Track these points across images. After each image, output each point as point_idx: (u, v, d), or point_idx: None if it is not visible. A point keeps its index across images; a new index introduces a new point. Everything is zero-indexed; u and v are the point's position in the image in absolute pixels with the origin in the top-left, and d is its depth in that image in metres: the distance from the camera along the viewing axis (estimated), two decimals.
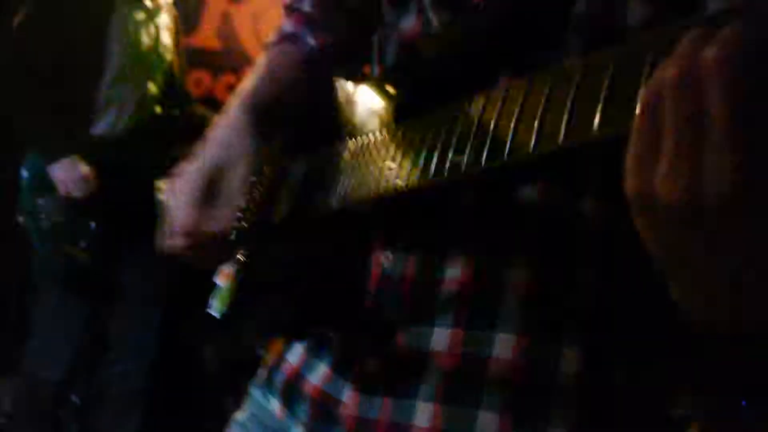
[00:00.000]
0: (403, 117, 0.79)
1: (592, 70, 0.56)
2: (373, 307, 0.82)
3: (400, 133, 0.76)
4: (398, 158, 0.74)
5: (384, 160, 0.76)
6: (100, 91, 2.88)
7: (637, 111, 0.49)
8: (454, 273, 0.78)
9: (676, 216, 0.47)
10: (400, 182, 0.72)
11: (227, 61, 3.69)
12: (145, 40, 2.95)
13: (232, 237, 0.90)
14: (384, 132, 0.79)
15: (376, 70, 0.99)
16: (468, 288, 0.77)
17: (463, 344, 0.76)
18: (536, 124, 0.60)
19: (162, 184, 0.98)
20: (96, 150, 2.84)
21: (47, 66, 2.78)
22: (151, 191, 1.10)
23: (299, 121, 1.02)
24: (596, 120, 0.54)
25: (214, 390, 3.27)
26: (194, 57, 3.47)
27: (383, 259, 0.83)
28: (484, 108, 0.66)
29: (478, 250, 0.77)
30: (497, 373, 0.75)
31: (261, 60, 1.07)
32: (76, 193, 2.76)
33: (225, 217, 0.91)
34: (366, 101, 0.88)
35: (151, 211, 1.06)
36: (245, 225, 0.94)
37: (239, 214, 0.94)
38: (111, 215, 2.83)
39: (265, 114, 0.98)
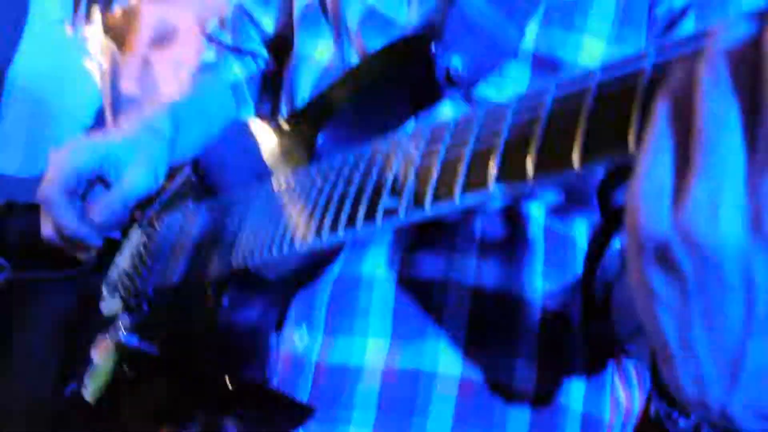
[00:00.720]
0: (316, 159, 0.65)
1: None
2: (278, 396, 0.66)
3: (315, 178, 0.62)
4: (313, 207, 0.59)
5: (296, 210, 0.61)
6: None
7: (654, 122, 0.35)
8: (377, 361, 0.63)
9: (705, 271, 0.33)
10: (312, 236, 0.57)
11: None
12: None
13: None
14: (296, 176, 0.65)
15: (285, 106, 0.87)
16: (391, 381, 0.62)
17: None
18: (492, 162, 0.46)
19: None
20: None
21: None
22: None
23: (212, 155, 0.87)
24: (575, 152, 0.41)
25: None
26: None
27: (295, 338, 0.67)
28: (417, 148, 0.53)
29: (407, 332, 0.63)
30: None
31: (182, 85, 0.98)
32: None
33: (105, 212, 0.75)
34: (276, 141, 0.74)
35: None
36: (131, 291, 0.77)
37: (125, 278, 0.77)
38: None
39: (183, 129, 0.84)
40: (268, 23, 0.98)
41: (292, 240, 0.59)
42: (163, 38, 1.62)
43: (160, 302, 0.77)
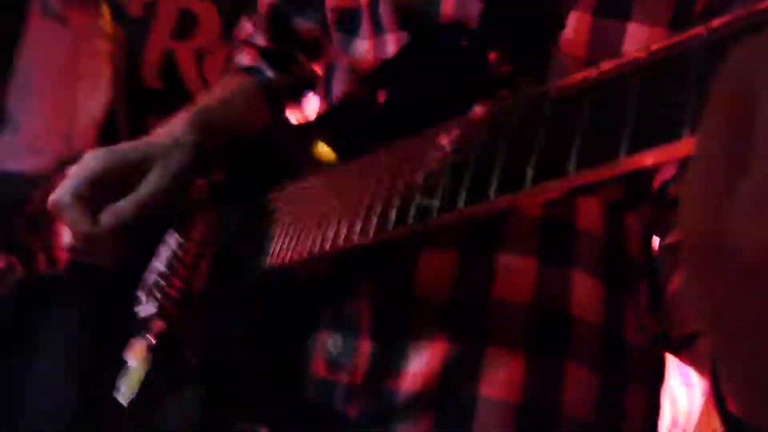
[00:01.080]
0: (348, 159, 0.62)
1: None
2: (315, 403, 0.64)
3: (348, 178, 0.59)
4: (348, 207, 0.56)
5: (330, 210, 0.58)
6: None
7: (710, 112, 0.31)
8: (419, 365, 0.61)
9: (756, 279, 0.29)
10: (353, 236, 0.54)
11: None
12: None
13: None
14: (329, 176, 0.62)
15: (319, 104, 0.84)
16: (435, 384, 0.60)
17: None
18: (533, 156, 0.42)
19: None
20: None
21: None
22: None
23: (244, 156, 0.85)
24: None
25: None
26: None
27: (329, 343, 0.65)
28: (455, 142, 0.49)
29: (454, 335, 0.60)
30: None
31: (216, 86, 0.97)
32: None
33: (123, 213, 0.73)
34: (309, 141, 0.72)
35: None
36: (168, 294, 0.75)
37: (161, 281, 0.76)
38: None
39: (212, 132, 0.82)
40: (304, 26, 0.95)
41: (323, 242, 0.57)
42: (185, 29, 1.59)
43: (194, 307, 0.75)
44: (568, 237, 0.68)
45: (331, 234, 0.56)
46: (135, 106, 1.60)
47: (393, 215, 0.51)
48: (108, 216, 0.71)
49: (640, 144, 0.37)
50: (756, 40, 0.30)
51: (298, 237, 0.61)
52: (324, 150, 0.68)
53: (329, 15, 0.86)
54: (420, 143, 0.53)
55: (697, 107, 0.35)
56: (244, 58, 1.01)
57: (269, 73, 0.98)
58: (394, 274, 0.66)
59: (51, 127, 1.47)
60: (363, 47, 0.80)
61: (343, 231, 0.55)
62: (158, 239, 0.88)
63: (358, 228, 0.54)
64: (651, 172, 0.70)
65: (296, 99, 1.00)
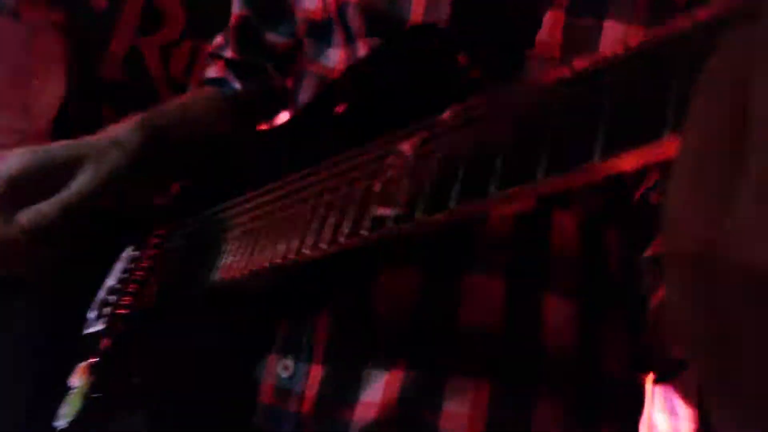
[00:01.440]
0: (311, 165, 0.57)
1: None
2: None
3: (302, 188, 0.54)
4: (301, 218, 0.52)
5: (283, 222, 0.54)
6: None
7: (698, 106, 0.27)
8: (374, 393, 0.56)
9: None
10: (305, 249, 0.50)
11: None
12: None
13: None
14: (284, 186, 0.57)
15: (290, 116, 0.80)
16: (391, 415, 0.55)
17: None
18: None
19: None
20: None
21: None
22: None
23: (209, 167, 0.80)
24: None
25: None
26: None
27: (279, 367, 0.60)
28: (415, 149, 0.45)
29: (414, 362, 0.55)
30: None
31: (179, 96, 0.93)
32: None
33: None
34: (275, 150, 0.67)
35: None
36: (116, 311, 0.70)
37: (111, 297, 0.70)
38: None
39: (162, 137, 0.76)
40: (276, 40, 0.92)
41: (274, 256, 0.52)
42: (150, 24, 1.56)
43: (142, 324, 0.69)
44: (541, 255, 0.63)
45: (282, 247, 0.52)
46: (94, 101, 1.56)
47: (347, 226, 0.47)
48: (24, 217, 0.64)
49: (616, 146, 0.33)
50: (749, 29, 0.26)
51: (250, 250, 0.56)
52: None
53: (300, 26, 0.82)
54: (379, 150, 0.49)
55: (681, 104, 0.31)
56: (211, 70, 0.97)
57: (236, 84, 0.94)
58: (351, 294, 0.61)
59: (4, 124, 1.42)
60: (336, 56, 0.76)
61: (295, 244, 0.51)
62: (116, 256, 0.83)
63: (310, 241, 0.49)
64: (632, 180, 0.66)
65: (268, 113, 0.95)
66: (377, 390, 0.59)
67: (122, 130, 0.73)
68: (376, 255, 0.54)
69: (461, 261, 0.62)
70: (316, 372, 0.61)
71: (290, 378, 0.61)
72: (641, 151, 0.32)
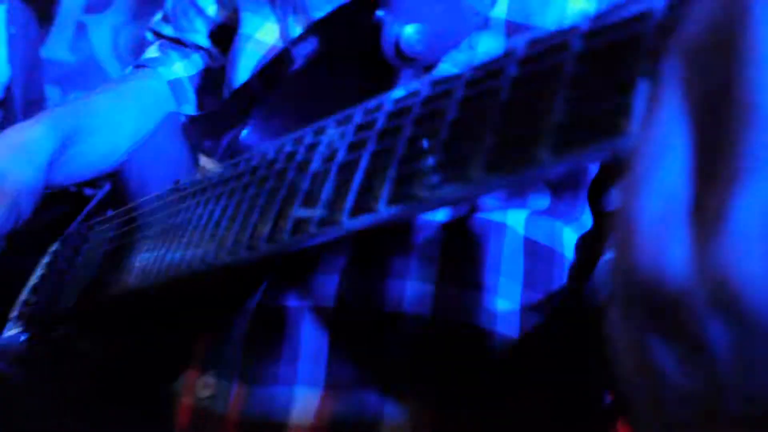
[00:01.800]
0: (234, 157, 0.51)
1: None
2: None
3: (220, 184, 0.48)
4: (217, 219, 0.45)
5: (198, 222, 0.47)
6: None
7: (658, 95, 0.21)
8: (305, 415, 0.50)
9: (752, 342, 0.19)
10: (222, 254, 0.43)
11: None
12: None
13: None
14: (202, 182, 0.51)
15: (225, 93, 0.73)
16: None
17: None
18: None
19: None
20: None
21: None
22: None
23: (137, 160, 0.73)
24: None
25: None
26: None
27: (199, 386, 0.54)
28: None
29: (349, 379, 0.49)
30: None
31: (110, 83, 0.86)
32: None
33: None
34: (200, 139, 0.61)
35: None
36: (31, 316, 0.64)
37: (27, 302, 0.64)
38: None
39: (70, 130, 0.70)
40: (213, 10, 0.85)
41: (189, 261, 0.46)
42: (98, 3, 1.48)
43: (57, 331, 0.63)
44: (478, 260, 0.57)
45: (199, 251, 0.45)
46: (38, 82, 1.50)
47: (266, 229, 0.40)
48: None
49: (564, 141, 0.27)
50: None
51: (164, 253, 0.49)
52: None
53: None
54: (304, 140, 0.43)
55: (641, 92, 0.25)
56: (151, 50, 0.90)
57: (176, 66, 0.87)
58: (278, 303, 0.55)
59: None
60: (271, 32, 0.70)
61: (212, 248, 0.44)
62: (43, 250, 0.76)
63: (228, 244, 0.43)
64: (588, 176, 0.60)
65: (204, 97, 0.89)
66: (308, 411, 0.53)
67: (32, 133, 0.66)
68: (302, 259, 0.48)
69: (393, 268, 0.55)
70: (241, 391, 0.54)
71: (211, 398, 0.54)
72: (594, 147, 0.26)
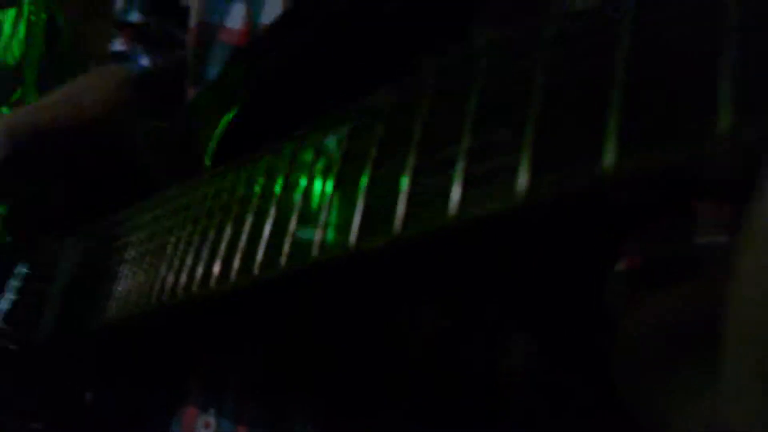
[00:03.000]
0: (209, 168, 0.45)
1: None
2: None
3: (207, 198, 0.42)
4: (205, 240, 0.40)
5: (184, 243, 0.42)
6: None
7: None
8: None
9: None
10: (210, 281, 0.38)
11: None
12: None
13: None
14: (184, 194, 0.45)
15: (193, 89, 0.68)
16: None
17: None
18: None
19: None
20: None
21: None
22: None
23: (105, 166, 0.68)
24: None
25: None
26: None
27: (199, 425, 0.49)
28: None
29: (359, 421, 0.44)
30: None
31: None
32: None
33: None
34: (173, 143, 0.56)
35: None
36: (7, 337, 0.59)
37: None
38: None
39: (32, 135, 0.65)
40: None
41: (174, 288, 0.40)
42: None
43: (29, 364, 0.57)
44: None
45: (183, 278, 0.40)
46: None
47: (261, 253, 0.35)
48: None
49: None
50: None
51: (146, 278, 0.44)
52: None
53: None
54: (300, 146, 0.37)
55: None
56: (117, 42, 0.84)
57: (143, 61, 0.81)
58: (280, 336, 0.50)
59: None
60: (240, 13, 0.64)
61: (199, 273, 0.39)
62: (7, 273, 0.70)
63: (216, 270, 0.38)
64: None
65: (176, 93, 0.83)
66: None
67: None
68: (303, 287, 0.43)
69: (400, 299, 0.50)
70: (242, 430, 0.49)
71: None
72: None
